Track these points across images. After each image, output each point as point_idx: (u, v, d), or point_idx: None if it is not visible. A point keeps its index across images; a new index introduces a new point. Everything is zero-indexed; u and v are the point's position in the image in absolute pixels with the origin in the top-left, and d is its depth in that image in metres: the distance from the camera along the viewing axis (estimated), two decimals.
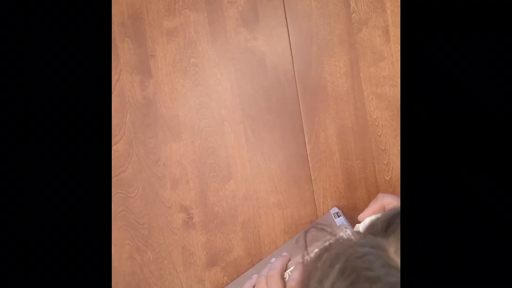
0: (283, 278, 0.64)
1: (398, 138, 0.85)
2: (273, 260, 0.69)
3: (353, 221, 0.82)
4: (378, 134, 0.85)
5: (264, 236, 0.86)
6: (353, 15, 0.85)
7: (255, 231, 0.86)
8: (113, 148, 0.87)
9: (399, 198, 0.64)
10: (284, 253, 0.69)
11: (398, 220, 0.32)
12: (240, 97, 0.86)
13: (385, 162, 0.85)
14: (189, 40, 0.87)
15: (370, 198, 0.85)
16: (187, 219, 0.87)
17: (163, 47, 0.87)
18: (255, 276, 0.70)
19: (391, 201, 0.64)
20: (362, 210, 0.86)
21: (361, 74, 0.85)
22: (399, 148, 0.85)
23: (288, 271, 0.65)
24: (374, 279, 0.29)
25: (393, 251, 0.31)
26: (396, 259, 0.30)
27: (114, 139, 0.87)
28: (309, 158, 0.86)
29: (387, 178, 0.85)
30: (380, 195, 0.67)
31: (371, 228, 0.36)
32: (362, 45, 0.85)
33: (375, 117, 0.85)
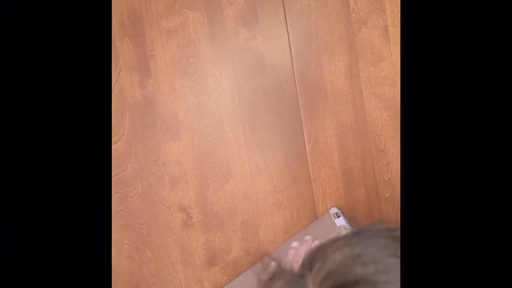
0: None
1: (398, 138, 0.85)
2: (294, 244, 0.66)
3: (352, 221, 0.82)
4: (378, 134, 0.85)
5: (263, 236, 0.86)
6: (352, 15, 0.85)
7: (254, 231, 0.86)
8: (112, 147, 0.87)
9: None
10: (307, 237, 0.66)
11: (318, 255, 0.35)
12: (240, 97, 0.86)
13: (385, 162, 0.85)
14: (188, 39, 0.87)
15: (369, 198, 0.85)
16: (186, 219, 0.87)
17: (163, 46, 0.87)
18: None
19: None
20: (361, 210, 0.86)
21: (360, 74, 0.85)
22: (398, 148, 0.85)
23: None
24: None
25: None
26: None
27: (113, 139, 0.87)
28: (308, 158, 0.86)
29: (387, 178, 0.85)
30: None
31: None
32: (361, 45, 0.85)
33: (374, 117, 0.85)
